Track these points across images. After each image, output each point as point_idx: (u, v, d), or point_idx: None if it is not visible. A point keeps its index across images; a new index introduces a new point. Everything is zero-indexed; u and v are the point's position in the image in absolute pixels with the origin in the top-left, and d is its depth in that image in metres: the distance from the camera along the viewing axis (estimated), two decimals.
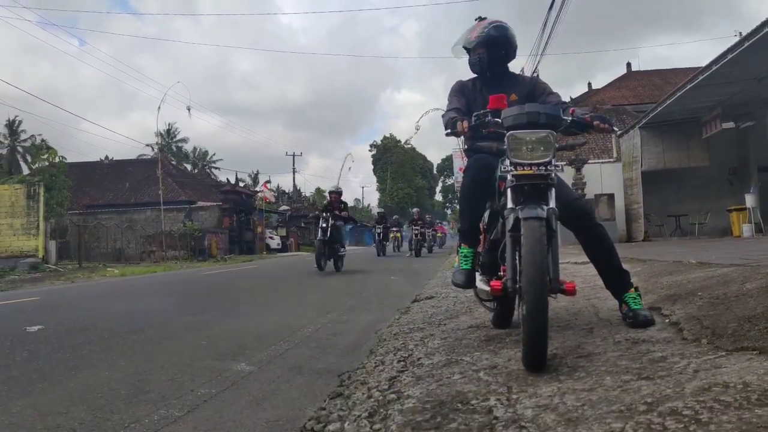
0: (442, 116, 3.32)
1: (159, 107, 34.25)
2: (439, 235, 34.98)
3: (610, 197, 18.15)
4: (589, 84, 35.38)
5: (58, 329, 5.07)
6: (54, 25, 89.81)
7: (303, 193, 66.13)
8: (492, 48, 3.38)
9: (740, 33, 15.45)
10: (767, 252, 6.55)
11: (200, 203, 35.30)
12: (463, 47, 3.51)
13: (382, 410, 2.09)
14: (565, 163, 16.85)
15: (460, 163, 31.39)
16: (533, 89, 3.43)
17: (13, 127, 50.25)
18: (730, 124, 14.70)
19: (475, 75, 3.57)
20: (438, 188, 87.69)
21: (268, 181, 47.53)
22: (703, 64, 12.28)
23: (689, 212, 17.49)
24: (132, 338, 4.52)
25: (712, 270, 4.38)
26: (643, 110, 18.99)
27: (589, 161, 19.18)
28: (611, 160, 20.03)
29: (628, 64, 33.46)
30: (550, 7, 14.23)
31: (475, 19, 3.50)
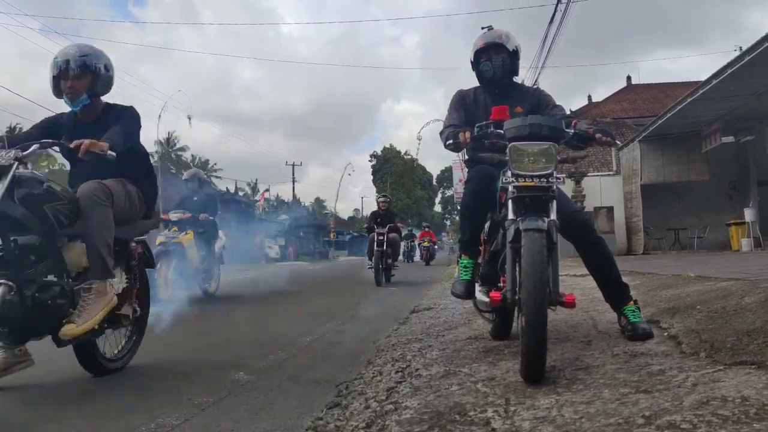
0: (440, 133, 3.33)
1: (159, 116, 34.23)
2: (425, 244, 26.05)
3: (609, 210, 18.17)
4: (589, 97, 35.45)
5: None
6: (56, 32, 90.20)
7: (302, 203, 66.15)
8: (500, 53, 3.40)
9: (740, 48, 15.53)
10: (766, 266, 6.55)
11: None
12: (471, 61, 3.52)
13: (379, 421, 2.09)
14: (564, 175, 16.87)
15: (459, 174, 31.40)
16: (538, 102, 3.44)
17: (13, 134, 50.35)
18: (730, 139, 14.74)
19: (479, 85, 3.58)
20: (437, 199, 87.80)
21: (267, 190, 47.60)
22: (703, 78, 12.34)
23: (688, 226, 17.49)
24: None
25: (711, 284, 4.38)
26: (643, 123, 19.03)
27: (589, 174, 19.21)
28: (611, 173, 20.05)
29: (628, 77, 33.49)
30: (551, 21, 14.31)
31: (482, 28, 3.52)
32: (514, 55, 3.44)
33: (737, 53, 11.22)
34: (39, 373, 3.53)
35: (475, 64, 3.51)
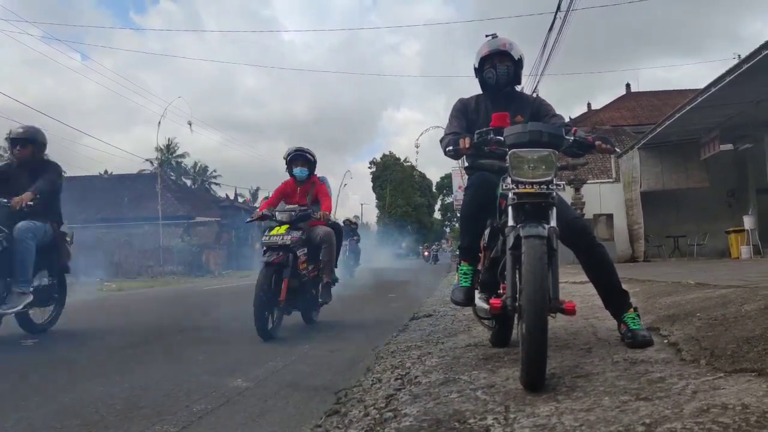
0: (441, 140, 3.33)
1: (159, 122, 34.20)
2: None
3: (609, 217, 18.18)
4: (589, 104, 35.55)
5: (53, 343, 5.05)
6: (57, 39, 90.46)
7: None
8: (504, 61, 3.41)
9: (739, 56, 15.57)
10: (765, 274, 6.55)
11: (199, 218, 35.29)
12: (475, 67, 3.52)
13: (378, 428, 2.08)
14: (564, 182, 16.86)
15: (459, 181, 31.42)
16: (538, 110, 3.45)
17: None
18: (729, 146, 14.77)
19: (480, 93, 3.59)
20: (437, 206, 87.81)
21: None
22: (702, 86, 12.36)
23: (688, 233, 17.50)
24: (127, 353, 4.50)
25: (711, 291, 4.38)
26: (642, 131, 19.08)
27: (588, 181, 19.24)
28: (610, 180, 20.10)
29: (628, 85, 33.65)
30: (550, 28, 14.35)
31: (486, 36, 3.53)
32: (518, 63, 3.45)
33: (736, 61, 11.25)
34: (35, 382, 3.52)
35: (479, 71, 3.51)
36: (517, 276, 2.48)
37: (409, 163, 72.41)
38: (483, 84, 3.55)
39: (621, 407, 1.91)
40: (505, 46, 3.40)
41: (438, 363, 3.16)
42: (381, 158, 77.23)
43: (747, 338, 2.53)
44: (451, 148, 3.08)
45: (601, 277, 3.18)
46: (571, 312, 2.45)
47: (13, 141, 5.47)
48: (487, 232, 3.25)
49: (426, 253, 45.55)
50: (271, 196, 6.44)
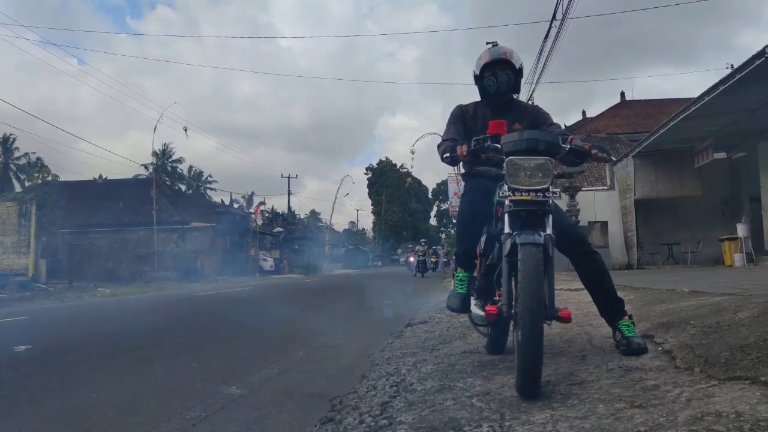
0: (438, 146, 3.33)
1: (155, 127, 34.11)
2: None
3: (603, 224, 18.25)
4: (584, 112, 35.82)
5: (46, 350, 5.02)
6: (53, 44, 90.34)
7: (298, 216, 65.99)
8: (505, 70, 3.41)
9: (732, 65, 15.67)
10: (759, 281, 6.57)
11: (194, 224, 35.16)
12: (475, 74, 3.52)
13: None
14: (560, 190, 16.91)
15: (455, 187, 31.42)
16: (536, 118, 3.46)
17: (7, 144, 50.11)
18: (722, 155, 14.84)
19: (479, 100, 3.59)
20: (432, 213, 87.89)
21: (263, 203, 47.53)
22: (696, 95, 12.43)
23: (682, 241, 17.56)
24: (121, 360, 4.47)
25: (705, 299, 4.39)
26: (637, 139, 19.18)
27: (583, 188, 19.31)
28: (605, 187, 20.18)
29: (622, 94, 33.77)
30: (546, 37, 14.41)
31: (487, 43, 3.53)
32: (519, 72, 3.46)
33: (729, 71, 11.33)
34: (28, 389, 3.50)
35: (479, 79, 3.51)
36: (513, 283, 2.48)
37: (405, 170, 72.53)
38: (483, 91, 3.54)
39: (616, 415, 1.91)
40: (507, 55, 3.41)
41: (433, 370, 3.16)
42: (377, 164, 77.36)
43: (741, 346, 2.54)
44: (448, 154, 3.08)
45: (596, 284, 3.18)
46: (566, 319, 2.45)
47: None
48: (483, 238, 3.25)
49: (411, 259, 30.17)
50: None
